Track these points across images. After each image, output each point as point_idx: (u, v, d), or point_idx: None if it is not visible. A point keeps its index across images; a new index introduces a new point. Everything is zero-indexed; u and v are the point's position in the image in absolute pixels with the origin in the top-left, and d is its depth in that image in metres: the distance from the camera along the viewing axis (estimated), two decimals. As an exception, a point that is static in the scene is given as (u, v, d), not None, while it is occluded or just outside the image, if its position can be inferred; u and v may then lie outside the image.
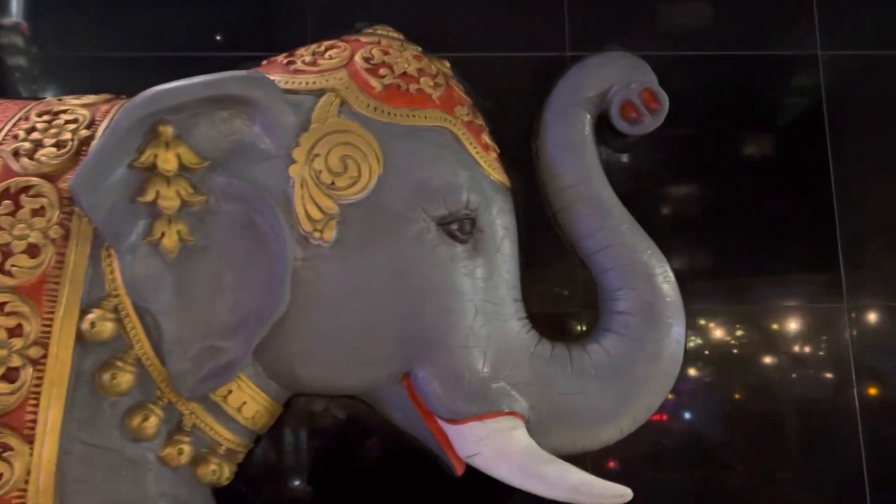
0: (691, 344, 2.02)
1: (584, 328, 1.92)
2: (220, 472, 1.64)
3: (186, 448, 1.57)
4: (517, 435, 1.61)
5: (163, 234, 1.52)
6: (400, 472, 1.94)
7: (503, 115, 1.97)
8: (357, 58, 1.72)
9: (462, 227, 1.67)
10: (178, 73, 1.53)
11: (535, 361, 1.70)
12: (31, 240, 1.51)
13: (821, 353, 2.04)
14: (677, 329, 1.76)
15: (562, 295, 2.00)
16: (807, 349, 2.05)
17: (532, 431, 1.64)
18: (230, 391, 1.61)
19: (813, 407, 2.02)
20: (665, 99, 1.87)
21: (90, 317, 1.50)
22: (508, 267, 1.74)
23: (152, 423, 1.53)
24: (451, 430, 1.63)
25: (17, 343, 1.46)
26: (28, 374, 1.46)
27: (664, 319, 1.75)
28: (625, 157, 2.05)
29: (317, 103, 1.63)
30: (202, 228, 1.54)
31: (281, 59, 1.78)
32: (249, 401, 1.64)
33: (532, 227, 1.91)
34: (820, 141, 2.07)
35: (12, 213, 1.52)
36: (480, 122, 1.83)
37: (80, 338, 1.50)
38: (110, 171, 1.48)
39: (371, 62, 1.71)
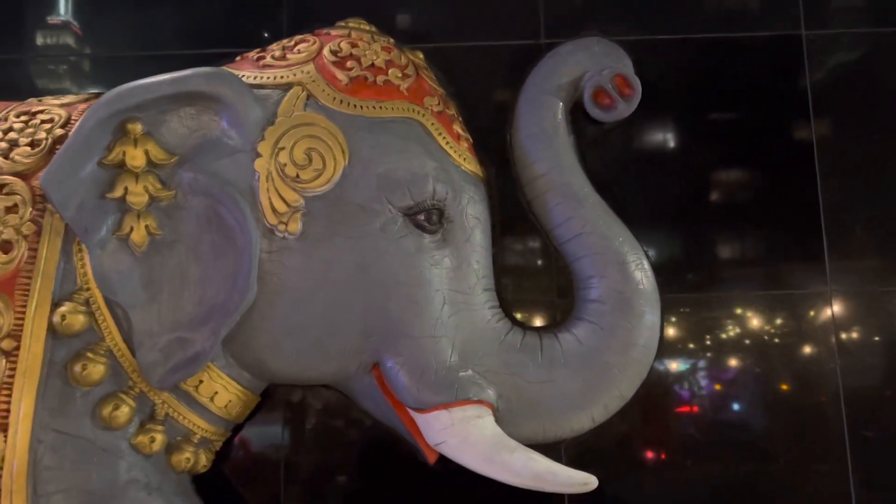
0: (682, 333, 2.00)
1: (559, 317, 1.90)
2: (194, 459, 1.68)
3: (159, 437, 1.61)
4: (483, 423, 1.62)
5: (132, 229, 1.55)
6: (380, 460, 1.96)
7: (479, 104, 1.96)
8: (325, 51, 1.73)
9: (429, 218, 1.67)
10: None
11: (505, 350, 1.70)
12: (4, 236, 1.56)
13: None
14: (650, 317, 1.74)
15: (538, 284, 1.99)
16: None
17: (502, 420, 1.65)
18: (201, 381, 1.65)
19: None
20: (638, 84, 1.85)
21: (61, 309, 1.55)
22: (479, 256, 1.74)
23: (124, 412, 1.57)
24: (420, 419, 1.64)
25: None
26: (1, 365, 1.51)
27: (636, 307, 1.73)
28: (603, 145, 2.02)
29: (283, 97, 1.65)
30: (170, 223, 1.58)
31: (252, 54, 1.80)
32: (221, 390, 1.68)
33: (508, 216, 1.91)
34: (805, 125, 2.01)
35: None
36: (452, 112, 1.82)
37: (52, 330, 1.55)
38: (79, 168, 1.51)
39: (338, 55, 1.73)
